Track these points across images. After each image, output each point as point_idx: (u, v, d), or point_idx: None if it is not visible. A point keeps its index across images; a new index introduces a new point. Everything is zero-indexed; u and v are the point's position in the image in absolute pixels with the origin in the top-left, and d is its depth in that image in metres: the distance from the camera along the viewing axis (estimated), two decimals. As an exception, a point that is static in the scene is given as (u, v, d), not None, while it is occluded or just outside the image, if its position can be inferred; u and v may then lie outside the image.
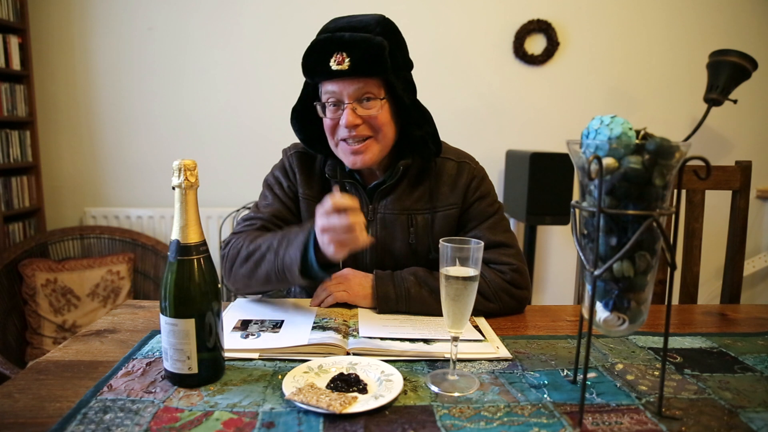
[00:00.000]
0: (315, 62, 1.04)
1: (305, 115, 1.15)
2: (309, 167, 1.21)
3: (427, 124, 1.13)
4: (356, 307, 1.10)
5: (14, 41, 2.42)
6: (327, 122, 1.10)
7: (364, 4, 2.48)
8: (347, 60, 1.00)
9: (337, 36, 1.02)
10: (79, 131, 2.67)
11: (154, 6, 2.58)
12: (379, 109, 1.06)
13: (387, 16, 1.08)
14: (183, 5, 2.58)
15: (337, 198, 0.90)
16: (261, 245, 1.05)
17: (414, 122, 1.12)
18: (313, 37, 1.07)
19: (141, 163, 2.69)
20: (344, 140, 1.09)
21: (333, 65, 1.01)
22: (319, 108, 1.09)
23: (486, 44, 2.70)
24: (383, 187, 1.15)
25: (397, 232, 1.16)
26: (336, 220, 0.89)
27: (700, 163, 0.65)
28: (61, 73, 2.62)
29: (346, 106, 1.05)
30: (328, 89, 1.06)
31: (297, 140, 1.23)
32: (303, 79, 1.12)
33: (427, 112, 1.13)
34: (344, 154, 1.11)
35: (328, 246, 0.92)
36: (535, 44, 2.70)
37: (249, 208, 2.61)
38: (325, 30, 1.06)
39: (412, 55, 1.12)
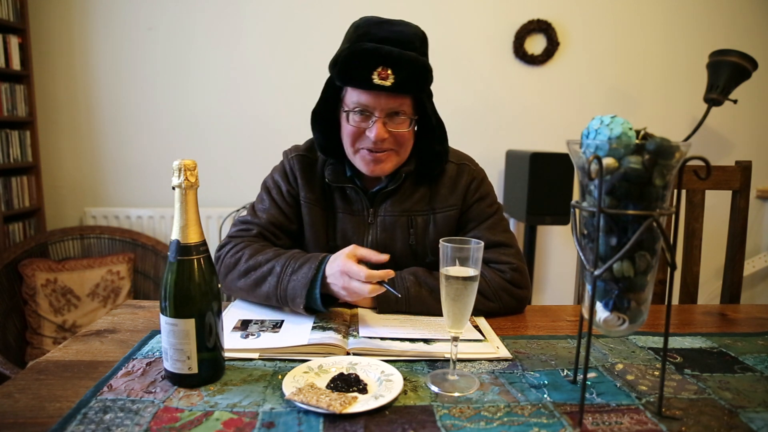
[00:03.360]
0: (356, 70, 0.99)
1: (324, 119, 1.12)
2: (310, 171, 1.19)
3: (446, 141, 1.14)
4: (356, 307, 1.10)
5: (14, 41, 2.42)
6: (349, 129, 1.07)
7: (365, 4, 2.48)
8: (392, 76, 0.98)
9: (385, 50, 0.98)
10: (79, 131, 2.67)
11: (154, 6, 2.58)
12: (408, 126, 1.06)
13: (392, 16, 1.07)
14: (183, 5, 2.58)
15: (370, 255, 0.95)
16: (262, 264, 1.04)
17: (436, 139, 1.13)
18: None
19: (141, 163, 2.69)
20: (365, 149, 1.08)
21: (376, 79, 0.98)
22: (344, 114, 1.07)
23: (486, 44, 2.70)
24: (384, 191, 1.15)
25: (398, 233, 1.16)
26: (356, 270, 0.93)
27: (700, 163, 0.65)
28: (61, 73, 2.62)
29: (376, 119, 1.03)
30: (360, 100, 1.03)
31: (297, 142, 1.23)
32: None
33: (444, 127, 1.14)
34: (363, 162, 1.09)
35: (339, 289, 0.96)
36: (535, 44, 2.70)
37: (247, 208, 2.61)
38: (365, 36, 1.01)
39: None
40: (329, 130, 1.13)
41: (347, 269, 0.94)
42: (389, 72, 0.98)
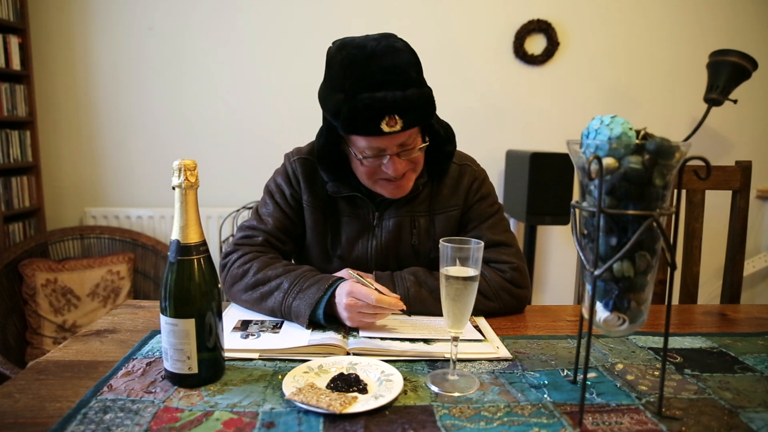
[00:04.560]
0: (362, 124, 0.97)
1: (330, 155, 1.10)
2: (312, 175, 1.17)
3: (454, 138, 1.14)
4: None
5: (14, 41, 2.42)
6: (365, 170, 1.05)
7: (364, 4, 2.48)
8: (400, 122, 0.96)
9: (389, 99, 0.94)
10: (79, 131, 2.67)
11: (154, 6, 2.58)
12: (420, 147, 1.06)
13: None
14: (183, 5, 2.58)
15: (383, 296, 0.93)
16: (270, 278, 1.04)
17: (448, 138, 1.13)
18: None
19: (141, 163, 2.69)
20: (384, 179, 1.07)
21: (385, 128, 0.96)
22: (354, 157, 1.05)
23: (486, 44, 2.70)
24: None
25: (401, 234, 1.16)
26: (365, 292, 0.92)
27: (700, 163, 0.65)
28: (61, 73, 2.62)
29: (390, 156, 1.02)
30: (371, 144, 1.00)
31: (299, 144, 1.22)
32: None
33: (451, 128, 1.14)
34: (385, 190, 1.09)
35: (343, 310, 0.95)
36: (535, 44, 2.70)
37: (249, 209, 2.61)
38: (360, 82, 0.96)
39: None
40: (335, 164, 1.11)
41: (354, 291, 0.94)
42: (397, 119, 0.96)
